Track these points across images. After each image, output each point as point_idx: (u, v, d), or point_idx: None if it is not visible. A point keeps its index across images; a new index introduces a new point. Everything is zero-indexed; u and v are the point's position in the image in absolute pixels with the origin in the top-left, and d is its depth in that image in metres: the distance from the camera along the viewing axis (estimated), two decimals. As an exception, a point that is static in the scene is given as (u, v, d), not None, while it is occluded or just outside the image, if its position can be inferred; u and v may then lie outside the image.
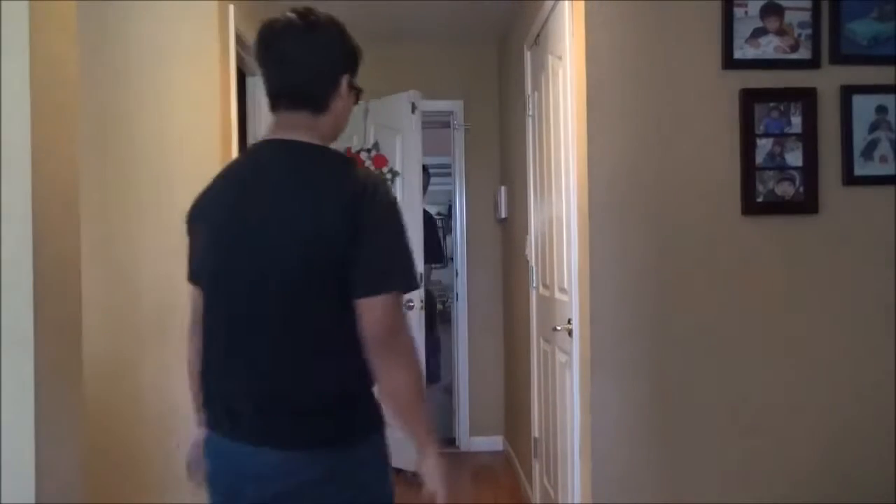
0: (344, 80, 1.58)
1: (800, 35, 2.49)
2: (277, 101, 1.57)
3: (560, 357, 2.98)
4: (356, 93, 1.64)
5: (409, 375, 1.51)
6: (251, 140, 3.78)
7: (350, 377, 1.51)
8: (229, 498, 1.55)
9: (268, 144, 1.58)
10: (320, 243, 1.45)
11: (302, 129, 1.55)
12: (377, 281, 1.46)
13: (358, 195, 1.46)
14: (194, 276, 1.64)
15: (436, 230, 4.89)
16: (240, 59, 3.37)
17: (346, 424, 1.50)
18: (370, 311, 1.45)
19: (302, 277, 1.47)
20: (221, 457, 1.55)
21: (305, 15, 1.54)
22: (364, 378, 1.51)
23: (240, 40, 3.20)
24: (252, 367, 1.50)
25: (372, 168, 4.27)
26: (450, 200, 5.22)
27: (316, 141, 1.56)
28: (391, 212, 1.50)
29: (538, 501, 3.56)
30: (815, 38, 2.49)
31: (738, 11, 2.48)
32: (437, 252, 4.80)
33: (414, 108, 4.32)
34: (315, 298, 1.48)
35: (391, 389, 1.53)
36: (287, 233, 1.47)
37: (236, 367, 1.52)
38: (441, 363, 5.38)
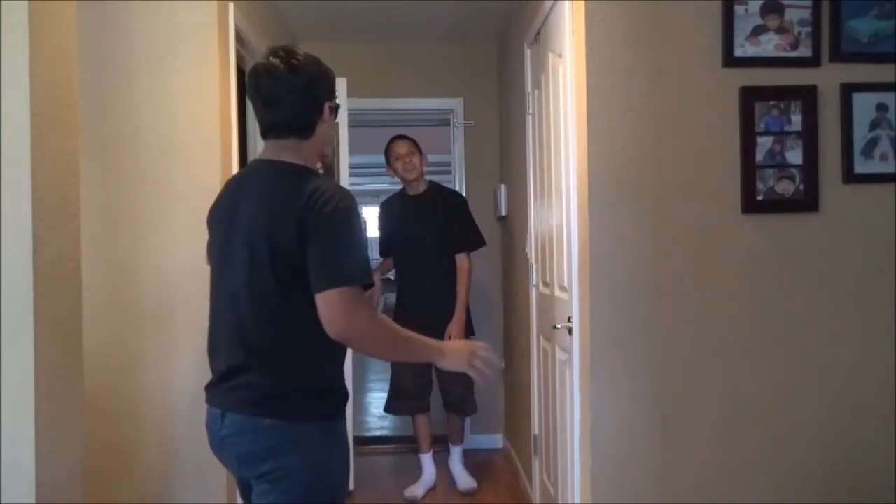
0: (326, 107, 1.86)
1: (800, 33, 2.49)
2: (268, 132, 1.84)
3: (560, 355, 2.98)
4: (335, 111, 1.91)
5: (374, 346, 1.79)
6: (251, 137, 3.78)
7: (307, 370, 1.76)
8: (217, 454, 1.88)
9: (259, 163, 1.88)
10: (277, 247, 1.71)
11: (289, 151, 1.83)
12: (326, 278, 1.67)
13: (306, 204, 1.70)
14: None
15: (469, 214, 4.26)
16: (240, 58, 3.36)
17: (293, 407, 1.74)
18: (322, 303, 1.67)
19: (266, 278, 1.72)
20: (209, 421, 1.87)
21: (287, 59, 1.79)
22: (320, 372, 1.79)
23: (240, 39, 3.20)
24: (232, 353, 1.79)
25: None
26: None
27: (299, 160, 1.83)
28: (338, 218, 1.70)
29: (538, 499, 3.56)
30: (816, 36, 2.49)
31: (739, 9, 2.47)
32: (477, 236, 4.20)
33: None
34: (277, 300, 1.73)
35: (367, 354, 1.88)
36: (255, 238, 1.74)
37: (219, 348, 1.84)
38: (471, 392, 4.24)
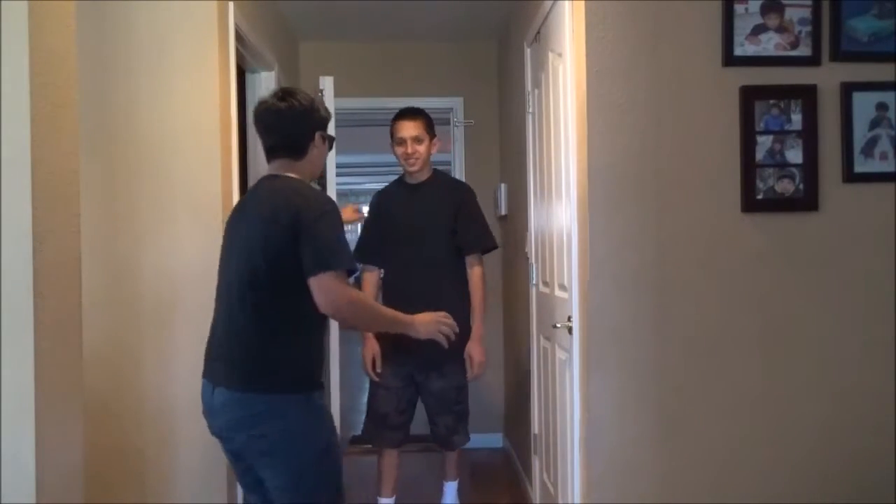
0: (317, 135, 2.28)
1: (800, 32, 2.49)
2: (269, 152, 2.28)
3: (560, 354, 2.98)
4: (329, 141, 2.35)
5: (357, 318, 2.24)
6: (251, 136, 3.78)
7: (282, 349, 2.12)
8: (208, 419, 2.22)
9: (263, 179, 2.30)
10: (270, 245, 2.09)
11: (286, 168, 2.26)
12: (315, 265, 2.05)
13: (297, 210, 2.08)
14: None
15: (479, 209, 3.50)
16: (240, 57, 3.36)
17: (274, 381, 2.11)
18: (314, 286, 2.05)
19: (256, 272, 2.10)
20: (203, 391, 2.22)
21: (284, 97, 2.24)
22: (295, 350, 2.13)
23: (240, 38, 3.20)
24: (223, 334, 2.19)
25: None
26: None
27: (295, 175, 2.25)
28: (324, 220, 2.10)
29: (538, 499, 3.56)
30: (816, 35, 2.49)
31: (739, 8, 2.47)
32: (489, 236, 3.48)
33: (321, 98, 3.67)
34: (263, 286, 2.10)
35: (353, 327, 2.51)
36: (253, 237, 2.13)
37: (218, 333, 2.22)
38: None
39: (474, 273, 3.35)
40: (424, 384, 3.35)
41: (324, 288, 2.05)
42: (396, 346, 3.16)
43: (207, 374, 2.21)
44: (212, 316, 2.26)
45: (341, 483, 2.24)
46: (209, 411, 2.19)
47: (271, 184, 2.22)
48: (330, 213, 2.13)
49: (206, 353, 2.26)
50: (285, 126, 2.22)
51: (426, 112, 3.44)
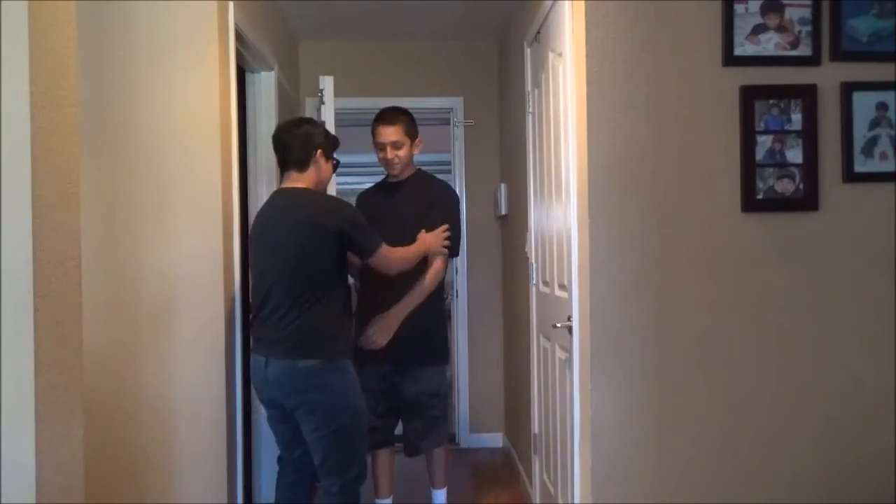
0: (317, 153, 2.85)
1: (800, 32, 2.49)
2: (282, 164, 2.89)
3: (560, 354, 2.98)
4: (333, 164, 2.97)
5: (406, 266, 3.06)
6: (250, 136, 3.79)
7: (323, 324, 2.70)
8: (260, 394, 2.85)
9: (280, 191, 2.91)
10: (306, 245, 2.70)
11: (295, 180, 2.85)
12: (369, 249, 2.85)
13: (325, 213, 2.76)
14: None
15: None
16: (240, 57, 3.36)
17: (319, 350, 2.69)
18: (374, 262, 2.90)
19: (295, 265, 2.70)
20: (254, 366, 2.81)
21: (297, 122, 2.95)
22: (333, 325, 2.73)
23: (240, 38, 3.20)
24: (272, 315, 2.72)
25: None
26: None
27: (304, 185, 2.83)
28: (355, 218, 2.83)
29: (538, 498, 3.56)
30: (816, 35, 2.49)
31: (739, 8, 2.47)
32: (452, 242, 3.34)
33: (321, 97, 3.67)
34: (304, 279, 2.69)
35: (401, 271, 3.06)
36: (288, 240, 2.72)
37: (266, 315, 2.74)
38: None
39: (432, 267, 3.22)
40: (399, 387, 3.29)
41: (382, 261, 2.88)
42: (374, 350, 3.16)
43: (258, 350, 2.76)
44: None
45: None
46: (262, 382, 2.75)
47: (293, 195, 2.80)
48: (355, 210, 2.96)
49: (252, 334, 2.83)
50: (292, 143, 2.82)
51: (407, 112, 3.36)
